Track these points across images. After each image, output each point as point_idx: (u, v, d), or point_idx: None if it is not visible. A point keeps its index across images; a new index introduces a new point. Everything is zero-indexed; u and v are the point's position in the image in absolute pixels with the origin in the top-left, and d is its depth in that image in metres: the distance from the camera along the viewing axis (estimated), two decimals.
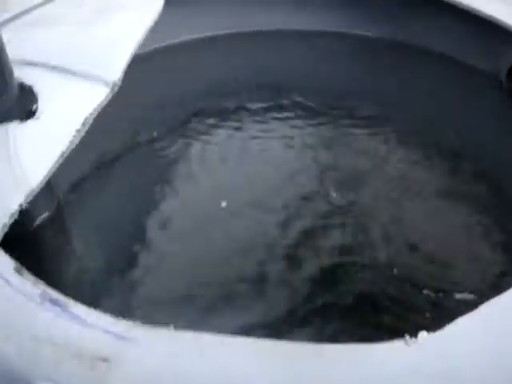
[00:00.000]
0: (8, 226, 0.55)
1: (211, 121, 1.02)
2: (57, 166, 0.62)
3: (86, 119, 0.67)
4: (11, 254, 0.72)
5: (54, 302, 0.47)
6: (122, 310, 0.76)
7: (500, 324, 0.41)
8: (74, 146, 0.65)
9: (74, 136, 0.65)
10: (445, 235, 0.85)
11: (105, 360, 0.43)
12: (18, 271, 0.49)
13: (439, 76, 0.97)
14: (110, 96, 0.73)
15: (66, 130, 0.65)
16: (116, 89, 0.74)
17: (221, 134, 1.03)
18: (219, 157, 0.96)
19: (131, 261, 0.82)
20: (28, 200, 0.58)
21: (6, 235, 0.72)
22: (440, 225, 0.86)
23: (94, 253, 0.82)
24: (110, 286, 0.78)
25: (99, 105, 0.70)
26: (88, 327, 0.45)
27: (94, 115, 0.69)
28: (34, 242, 0.76)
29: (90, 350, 0.43)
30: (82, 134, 0.67)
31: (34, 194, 0.59)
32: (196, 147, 1.01)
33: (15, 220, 0.72)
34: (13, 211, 0.56)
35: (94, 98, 0.71)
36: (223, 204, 0.86)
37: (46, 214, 0.76)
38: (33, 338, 0.44)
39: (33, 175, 0.60)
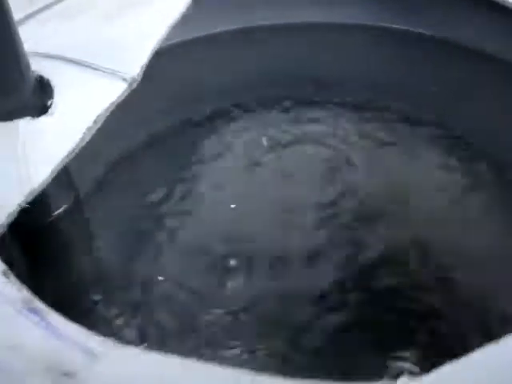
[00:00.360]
0: (6, 226, 0.55)
1: (245, 114, 1.00)
2: (62, 165, 0.61)
3: (98, 116, 0.66)
4: (25, 246, 0.73)
5: (33, 311, 0.46)
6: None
7: (491, 376, 0.37)
8: (83, 144, 0.64)
9: (84, 133, 0.64)
10: None
11: (71, 376, 0.42)
12: (5, 275, 0.49)
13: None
14: (127, 92, 0.71)
15: (78, 128, 0.65)
16: (134, 85, 0.72)
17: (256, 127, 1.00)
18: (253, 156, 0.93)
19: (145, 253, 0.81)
20: (29, 199, 0.58)
21: (22, 227, 0.73)
22: None
23: (112, 248, 0.82)
24: (120, 280, 0.77)
25: (114, 101, 0.69)
26: (62, 340, 0.44)
27: (108, 112, 0.68)
28: (49, 235, 0.77)
29: (59, 364, 0.42)
30: (93, 131, 0.66)
31: (36, 193, 0.58)
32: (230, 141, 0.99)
33: (31, 212, 0.73)
34: (11, 211, 0.55)
35: (110, 94, 0.70)
36: (232, 206, 0.83)
37: (63, 208, 0.76)
38: (8, 347, 0.44)
39: (37, 174, 0.59)
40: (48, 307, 0.46)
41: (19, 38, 0.64)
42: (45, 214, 0.75)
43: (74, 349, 0.43)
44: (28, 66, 0.67)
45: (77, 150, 0.63)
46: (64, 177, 0.76)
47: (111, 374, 0.42)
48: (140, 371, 0.43)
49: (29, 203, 0.73)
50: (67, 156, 0.62)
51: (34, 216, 0.75)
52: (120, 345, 0.43)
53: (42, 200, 0.74)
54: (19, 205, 0.56)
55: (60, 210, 0.76)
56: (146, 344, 0.45)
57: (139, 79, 0.73)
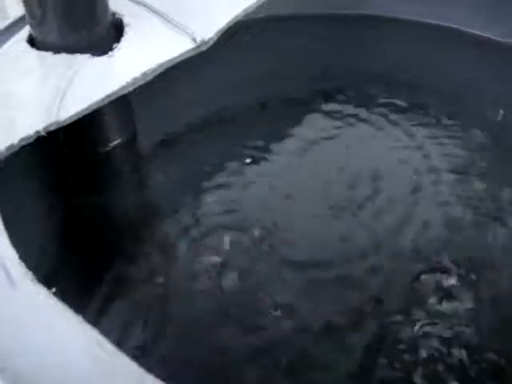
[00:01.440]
0: (17, 147, 0.59)
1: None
2: (95, 107, 0.64)
3: (148, 70, 0.68)
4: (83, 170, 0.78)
5: None
6: None
7: None
8: (124, 92, 0.66)
9: (127, 83, 0.66)
10: None
11: None
12: None
13: None
14: (193, 53, 0.72)
15: (127, 76, 0.67)
16: (204, 48, 0.72)
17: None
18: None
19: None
20: (49, 130, 0.61)
21: (81, 153, 0.79)
22: None
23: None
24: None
25: (173, 60, 0.70)
26: None
27: (163, 68, 0.69)
28: (104, 163, 0.82)
29: None
30: (139, 83, 0.67)
31: (57, 126, 0.61)
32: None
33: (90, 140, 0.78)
34: (25, 135, 0.59)
35: (173, 51, 0.70)
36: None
37: (118, 141, 0.81)
38: None
39: (66, 111, 0.63)
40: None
41: None
42: (102, 144, 0.80)
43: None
44: (106, 7, 0.71)
45: (114, 97, 0.65)
46: (124, 112, 0.80)
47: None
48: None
49: (89, 132, 0.79)
50: (102, 100, 0.64)
51: (92, 144, 0.80)
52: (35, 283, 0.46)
53: (101, 130, 0.79)
54: (37, 132, 0.60)
55: (116, 142, 0.80)
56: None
57: (210, 43, 0.73)
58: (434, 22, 0.91)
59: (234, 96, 0.93)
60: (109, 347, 0.36)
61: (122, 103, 0.76)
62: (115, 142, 0.81)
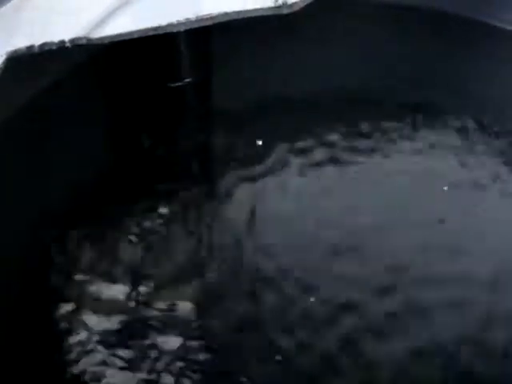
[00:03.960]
0: None
1: None
2: (130, 36, 0.61)
3: (206, 15, 0.62)
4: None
5: None
6: None
7: None
8: (168, 30, 0.62)
9: (177, 21, 0.61)
10: None
11: None
12: None
13: None
14: (270, 13, 0.65)
15: (180, 14, 0.62)
16: (285, 11, 0.65)
17: None
18: None
19: None
20: (49, 46, 0.59)
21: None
22: None
23: None
24: None
25: (242, 12, 0.63)
26: None
27: (227, 18, 0.63)
28: None
29: None
30: (191, 25, 0.62)
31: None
32: None
33: None
34: None
35: (247, 3, 0.64)
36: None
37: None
38: None
39: (100, 31, 0.60)
40: None
41: None
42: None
43: None
44: None
45: (160, 31, 0.61)
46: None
47: None
48: None
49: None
50: (145, 31, 0.61)
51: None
52: None
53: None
54: (61, 41, 0.58)
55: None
56: None
57: (294, 9, 0.65)
58: None
59: None
60: None
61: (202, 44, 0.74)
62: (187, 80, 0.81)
